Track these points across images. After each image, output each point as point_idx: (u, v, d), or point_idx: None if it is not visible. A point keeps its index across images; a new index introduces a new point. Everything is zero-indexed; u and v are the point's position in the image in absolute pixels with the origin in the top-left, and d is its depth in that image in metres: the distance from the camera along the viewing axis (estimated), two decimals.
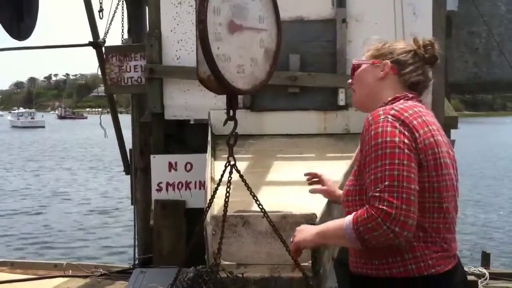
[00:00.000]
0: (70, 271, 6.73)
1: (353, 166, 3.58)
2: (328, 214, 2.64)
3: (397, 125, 1.98)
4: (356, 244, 1.96)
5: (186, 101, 5.22)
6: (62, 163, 31.08)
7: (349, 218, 1.96)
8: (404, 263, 2.00)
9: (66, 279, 6.45)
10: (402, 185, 1.89)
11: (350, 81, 2.32)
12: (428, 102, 4.27)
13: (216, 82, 1.88)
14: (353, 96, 2.33)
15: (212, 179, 3.60)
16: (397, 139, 1.95)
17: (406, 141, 1.95)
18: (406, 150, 1.94)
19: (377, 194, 1.89)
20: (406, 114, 2.02)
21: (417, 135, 1.99)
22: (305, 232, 2.16)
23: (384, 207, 1.86)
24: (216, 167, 3.88)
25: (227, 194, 2.02)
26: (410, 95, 2.18)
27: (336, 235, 2.03)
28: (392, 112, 2.02)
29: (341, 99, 4.87)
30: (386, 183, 1.89)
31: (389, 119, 1.99)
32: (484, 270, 6.09)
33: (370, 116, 2.05)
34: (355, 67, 2.28)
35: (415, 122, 2.02)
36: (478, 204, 16.94)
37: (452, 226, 2.08)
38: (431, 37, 4.61)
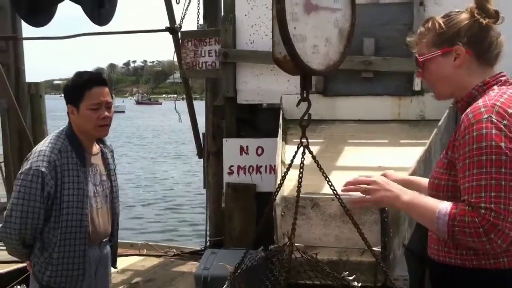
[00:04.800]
0: (145, 250, 6.98)
1: (429, 153, 3.52)
2: None
3: (502, 126, 1.86)
4: (442, 235, 1.91)
5: (259, 86, 5.25)
6: (139, 147, 32.10)
7: (445, 208, 1.87)
8: (495, 255, 1.93)
9: (141, 257, 6.70)
10: (509, 197, 1.81)
11: (419, 74, 2.19)
12: None
13: (292, 62, 1.87)
14: (434, 90, 2.18)
15: (283, 162, 3.61)
16: (503, 144, 1.83)
17: None
18: None
19: (483, 205, 1.80)
20: (510, 111, 1.89)
21: None
22: (390, 192, 2.04)
23: (491, 219, 1.78)
24: (287, 151, 3.89)
25: (300, 175, 2.01)
26: (502, 79, 2.05)
27: (424, 215, 1.96)
28: (496, 109, 1.89)
29: (417, 84, 4.74)
30: (493, 193, 1.80)
31: (493, 119, 1.87)
32: None
33: (470, 114, 1.92)
34: (422, 63, 2.13)
35: None
36: None
37: None
38: None
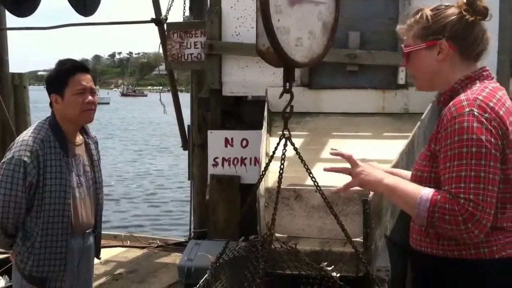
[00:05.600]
0: (129, 242, 6.97)
1: (412, 146, 3.56)
2: None
3: (484, 120, 1.89)
4: (421, 221, 1.93)
5: (244, 78, 5.25)
6: (124, 139, 31.96)
7: (426, 194, 1.90)
8: (476, 245, 1.97)
9: (124, 249, 6.69)
10: (488, 188, 1.85)
11: (403, 64, 2.21)
12: None
13: (275, 54, 1.88)
14: (415, 81, 2.23)
15: (267, 155, 3.63)
16: (483, 137, 1.87)
17: (492, 139, 1.88)
18: (492, 151, 1.87)
19: (462, 195, 1.84)
20: (491, 104, 1.93)
21: (504, 129, 1.92)
22: (373, 175, 2.09)
23: (470, 208, 1.82)
24: (271, 143, 3.91)
25: (282, 166, 2.03)
26: (485, 73, 2.08)
27: (405, 200, 1.99)
28: (477, 103, 1.92)
29: (401, 78, 4.78)
30: (472, 184, 1.84)
31: (475, 113, 1.90)
32: None
33: (453, 107, 1.95)
34: (407, 54, 2.16)
35: (501, 112, 1.93)
36: None
37: None
38: (498, 13, 4.49)
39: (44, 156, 2.90)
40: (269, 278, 1.96)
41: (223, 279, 2.16)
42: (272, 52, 1.86)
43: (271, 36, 1.80)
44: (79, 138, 3.14)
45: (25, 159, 2.85)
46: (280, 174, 2.01)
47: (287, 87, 2.01)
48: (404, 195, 1.98)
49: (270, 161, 2.09)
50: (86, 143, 3.18)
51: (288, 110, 2.04)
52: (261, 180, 2.15)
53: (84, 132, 3.20)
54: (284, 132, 2.05)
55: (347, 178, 2.48)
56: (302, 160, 2.07)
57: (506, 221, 2.00)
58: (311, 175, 2.09)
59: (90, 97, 3.00)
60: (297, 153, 2.07)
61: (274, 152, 2.04)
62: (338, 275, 2.15)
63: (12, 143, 2.99)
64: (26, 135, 2.96)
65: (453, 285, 2.03)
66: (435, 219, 1.87)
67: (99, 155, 3.29)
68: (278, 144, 2.05)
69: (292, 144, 2.05)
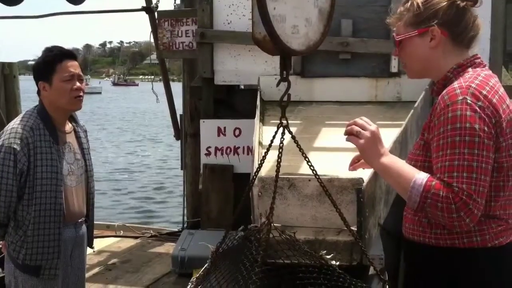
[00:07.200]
0: (122, 231, 6.96)
1: (405, 134, 3.55)
2: (375, 179, 2.62)
3: (477, 108, 1.88)
4: (411, 205, 1.92)
5: (236, 66, 5.22)
6: (116, 128, 31.83)
7: (421, 179, 1.88)
8: (469, 234, 1.98)
9: (117, 239, 6.68)
10: (480, 178, 1.84)
11: (395, 52, 2.20)
12: None
13: (271, 42, 1.85)
14: (406, 69, 2.22)
15: (260, 143, 3.61)
16: (477, 126, 1.86)
17: (486, 128, 1.87)
18: (485, 140, 1.87)
19: (455, 184, 1.83)
20: (484, 92, 1.92)
21: (497, 117, 1.91)
22: (373, 149, 2.03)
23: (463, 197, 1.82)
24: (264, 132, 3.89)
25: (279, 155, 2.00)
26: (477, 61, 2.08)
27: (398, 181, 1.97)
28: (470, 91, 1.92)
29: (394, 66, 4.76)
30: (465, 174, 1.84)
31: (468, 101, 1.89)
32: None
33: (446, 95, 1.95)
34: (399, 42, 2.15)
35: (494, 100, 1.92)
36: None
37: None
38: (491, 0, 4.49)
39: (34, 144, 2.88)
40: (268, 267, 1.95)
41: (223, 268, 2.15)
42: (269, 40, 1.83)
43: (267, 24, 1.77)
44: (69, 126, 3.12)
45: (15, 146, 2.83)
46: (278, 163, 1.99)
47: (284, 76, 1.98)
48: (398, 176, 1.97)
49: (268, 150, 2.07)
50: (76, 131, 3.17)
51: (285, 98, 2.01)
52: (260, 170, 2.13)
53: (73, 120, 3.19)
54: (282, 121, 2.02)
55: (342, 168, 2.48)
56: (300, 148, 2.05)
57: (499, 209, 2.00)
58: (309, 163, 2.07)
59: (78, 84, 3.00)
60: (295, 141, 2.06)
61: (272, 141, 2.02)
62: (338, 263, 2.15)
63: (1, 131, 2.98)
64: (15, 123, 2.94)
65: (446, 273, 2.04)
66: (427, 204, 1.87)
67: (88, 144, 3.28)
68: (276, 132, 2.03)
69: (290, 132, 2.04)
